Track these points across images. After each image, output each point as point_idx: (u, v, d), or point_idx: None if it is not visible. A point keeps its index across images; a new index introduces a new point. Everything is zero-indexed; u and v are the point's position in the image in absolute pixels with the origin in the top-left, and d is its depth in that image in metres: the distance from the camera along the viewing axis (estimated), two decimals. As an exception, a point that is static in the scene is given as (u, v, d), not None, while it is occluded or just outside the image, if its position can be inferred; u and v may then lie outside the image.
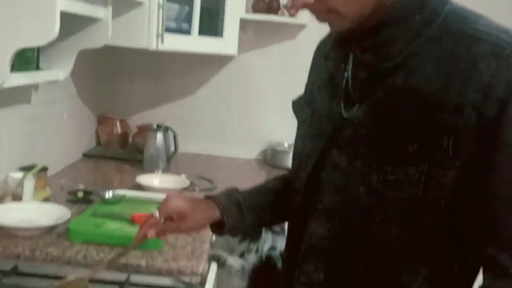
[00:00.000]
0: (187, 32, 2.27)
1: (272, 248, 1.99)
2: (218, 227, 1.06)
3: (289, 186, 1.07)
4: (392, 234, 0.81)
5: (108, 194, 1.67)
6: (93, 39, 1.76)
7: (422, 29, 0.79)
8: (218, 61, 2.64)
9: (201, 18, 2.29)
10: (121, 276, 1.24)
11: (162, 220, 1.02)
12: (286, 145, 2.61)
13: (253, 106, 2.68)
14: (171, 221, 1.02)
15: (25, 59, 1.57)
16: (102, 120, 2.59)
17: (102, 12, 1.72)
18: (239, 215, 1.05)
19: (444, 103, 0.75)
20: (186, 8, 2.27)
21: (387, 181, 0.79)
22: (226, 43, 2.42)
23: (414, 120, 0.77)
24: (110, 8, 1.75)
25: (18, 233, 1.38)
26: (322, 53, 0.96)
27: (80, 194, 1.75)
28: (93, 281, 1.06)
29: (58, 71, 1.72)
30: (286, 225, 1.08)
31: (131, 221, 1.46)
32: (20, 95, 1.75)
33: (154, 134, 2.23)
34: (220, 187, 2.05)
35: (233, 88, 2.67)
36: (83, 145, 2.46)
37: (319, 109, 0.91)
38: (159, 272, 1.31)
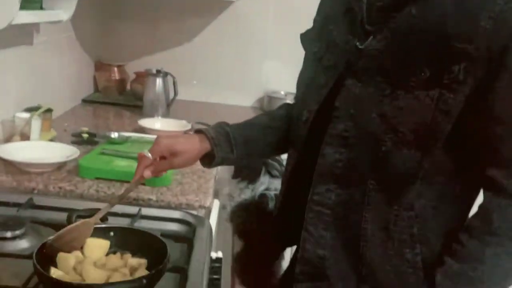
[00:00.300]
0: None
1: (267, 189, 2.05)
2: (208, 160, 1.12)
3: (285, 117, 1.15)
4: (401, 157, 0.86)
5: (114, 135, 1.71)
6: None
7: None
8: (215, 8, 2.64)
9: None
10: (133, 210, 1.29)
11: (157, 159, 1.07)
12: (282, 92, 2.65)
13: (250, 54, 2.70)
14: (164, 159, 1.08)
15: (30, -1, 1.58)
16: (100, 67, 2.60)
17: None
18: (228, 147, 1.11)
19: (457, 31, 0.79)
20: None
21: (399, 107, 0.84)
22: (224, -12, 2.41)
23: (427, 48, 0.81)
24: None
25: (31, 169, 1.42)
26: None
27: (85, 136, 1.78)
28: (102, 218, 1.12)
29: (61, 12, 1.73)
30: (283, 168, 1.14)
31: (139, 159, 1.51)
32: (23, 36, 1.76)
33: (154, 79, 2.25)
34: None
35: (231, 35, 2.68)
36: (82, 91, 2.48)
37: (334, 41, 0.95)
38: (168, 206, 1.36)
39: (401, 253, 0.91)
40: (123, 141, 1.69)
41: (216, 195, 1.64)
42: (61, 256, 0.93)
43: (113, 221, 1.15)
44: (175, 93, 2.30)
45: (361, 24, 0.90)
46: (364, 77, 0.88)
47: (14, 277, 0.95)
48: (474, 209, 0.92)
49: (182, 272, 1.04)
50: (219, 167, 2.25)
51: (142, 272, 0.93)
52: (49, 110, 1.73)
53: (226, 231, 2.13)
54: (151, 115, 2.21)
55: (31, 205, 1.28)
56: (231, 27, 2.67)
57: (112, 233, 1.03)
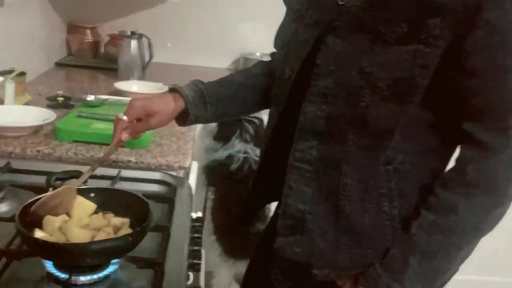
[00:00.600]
0: None
1: (238, 151, 2.07)
2: (182, 118, 1.13)
3: (260, 75, 1.16)
4: (379, 112, 0.88)
5: (90, 97, 1.69)
6: None
7: None
8: (189, -33, 2.59)
9: None
10: (112, 172, 1.30)
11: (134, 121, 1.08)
12: (258, 54, 2.63)
13: (226, 15, 2.67)
14: (140, 121, 1.08)
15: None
16: (72, 29, 2.55)
17: None
18: (202, 104, 1.12)
19: None
20: None
21: (378, 63, 0.86)
22: None
23: (405, 3, 0.82)
24: None
25: (7, 133, 1.41)
26: None
27: (61, 99, 1.76)
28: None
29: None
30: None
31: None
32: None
33: (128, 41, 2.22)
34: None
35: (205, -4, 2.64)
36: (55, 54, 2.43)
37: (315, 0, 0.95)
38: (148, 167, 1.37)
39: (379, 206, 0.93)
40: (99, 103, 1.68)
41: (195, 157, 1.65)
42: (47, 218, 0.94)
43: (92, 184, 1.16)
44: (151, 56, 2.27)
45: None
46: (344, 34, 0.89)
47: (-4, 239, 0.95)
48: (451, 164, 0.94)
49: (164, 230, 1.06)
50: (200, 130, 2.28)
51: (126, 230, 0.94)
52: (22, 74, 1.70)
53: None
54: (126, 78, 2.19)
55: (9, 169, 1.27)
56: (206, -13, 2.63)
57: (92, 194, 1.03)
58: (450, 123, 0.90)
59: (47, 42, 2.31)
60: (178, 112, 1.11)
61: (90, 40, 2.54)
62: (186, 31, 2.67)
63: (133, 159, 1.37)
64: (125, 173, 1.31)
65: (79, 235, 0.91)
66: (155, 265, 0.93)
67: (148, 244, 1.01)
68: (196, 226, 1.24)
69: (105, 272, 0.91)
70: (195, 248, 1.13)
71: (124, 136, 1.07)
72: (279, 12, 1.11)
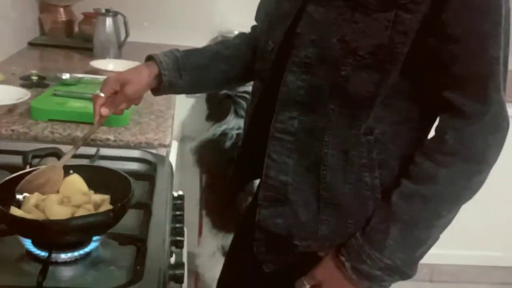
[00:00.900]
0: None
1: (231, 128, 2.07)
2: (157, 86, 1.12)
3: (240, 46, 1.15)
4: (360, 81, 0.87)
5: (65, 76, 1.65)
6: None
7: None
8: None
9: None
10: (90, 150, 1.27)
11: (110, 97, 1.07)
12: (236, 32, 2.58)
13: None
14: (117, 93, 1.07)
15: None
16: (45, 8, 2.48)
17: None
18: (177, 71, 1.11)
19: None
20: None
21: (358, 30, 0.85)
22: None
23: None
24: None
25: (-21, 113, 1.37)
26: None
27: (35, 78, 1.72)
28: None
29: None
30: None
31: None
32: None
33: (103, 19, 2.16)
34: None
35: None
36: (27, 34, 2.36)
37: None
38: (127, 145, 1.35)
39: (360, 176, 0.93)
40: (75, 82, 1.64)
41: (177, 136, 1.63)
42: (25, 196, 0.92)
43: (70, 162, 1.13)
44: (127, 34, 2.22)
45: None
46: (325, 2, 0.88)
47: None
48: (432, 134, 0.94)
49: (146, 208, 1.05)
50: (190, 109, 2.26)
51: (107, 207, 0.93)
52: (-7, 53, 1.65)
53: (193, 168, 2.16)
54: (102, 57, 2.14)
55: (-17, 149, 1.24)
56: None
57: (71, 171, 1.01)
58: (430, 92, 0.90)
59: (19, 21, 2.25)
60: (152, 77, 1.10)
61: (63, 19, 2.47)
62: (163, 9, 2.62)
63: (111, 137, 1.34)
64: (104, 151, 1.28)
65: (58, 212, 0.89)
66: (137, 242, 0.92)
67: (129, 221, 1.00)
68: (178, 204, 1.23)
69: (86, 249, 0.89)
70: (178, 225, 1.13)
71: (104, 111, 1.06)
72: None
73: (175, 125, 2.09)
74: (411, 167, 0.92)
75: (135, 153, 1.32)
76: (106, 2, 2.49)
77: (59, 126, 1.36)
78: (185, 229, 1.18)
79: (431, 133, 0.95)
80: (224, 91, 2.07)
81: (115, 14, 2.18)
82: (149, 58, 1.12)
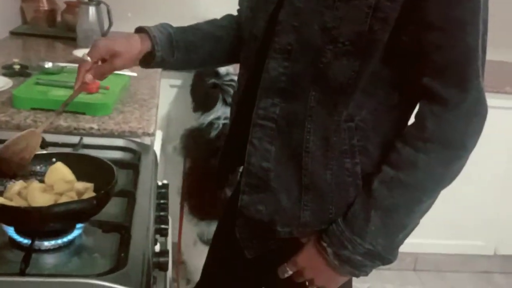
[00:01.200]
0: None
1: (218, 118, 2.06)
2: (146, 59, 1.11)
3: (229, 34, 1.14)
4: (340, 68, 0.88)
5: (48, 65, 1.63)
6: None
7: None
8: None
9: None
10: (73, 139, 1.26)
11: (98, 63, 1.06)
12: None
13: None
14: (104, 61, 1.07)
15: None
16: (27, -4, 2.45)
17: None
18: (170, 49, 1.11)
19: None
20: None
21: (338, 18, 0.85)
22: None
23: None
24: None
25: (-40, 101, 1.35)
26: None
27: (17, 67, 1.69)
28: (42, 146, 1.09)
29: None
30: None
31: (77, 88, 1.46)
32: None
33: (86, 8, 2.14)
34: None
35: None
36: (9, 23, 2.33)
37: None
38: (111, 134, 1.34)
39: (341, 163, 0.94)
40: (58, 71, 1.62)
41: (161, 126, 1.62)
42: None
43: (53, 151, 1.12)
44: (110, 23, 2.20)
45: None
46: None
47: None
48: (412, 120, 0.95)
49: (130, 195, 1.04)
50: (174, 101, 2.25)
51: (90, 195, 0.92)
52: (-26, 41, 1.62)
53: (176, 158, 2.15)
54: (85, 46, 2.11)
55: (-36, 137, 1.22)
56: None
57: (54, 159, 1.00)
58: (410, 79, 0.90)
59: (0, 10, 2.21)
60: (143, 53, 1.09)
61: (45, 8, 2.44)
62: (146, -1, 2.60)
63: (95, 126, 1.33)
64: (87, 140, 1.27)
65: (40, 199, 0.88)
66: (121, 229, 0.92)
67: (113, 209, 1.00)
68: (162, 192, 1.22)
69: (69, 236, 0.89)
70: (162, 213, 1.12)
71: (88, 77, 1.05)
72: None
73: (159, 115, 2.08)
74: (391, 153, 0.92)
75: (119, 142, 1.31)
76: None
77: (42, 115, 1.35)
78: (170, 218, 1.18)
79: (411, 120, 0.95)
80: (211, 81, 2.07)
81: (98, 3, 2.16)
82: (141, 30, 1.11)
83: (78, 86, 1.05)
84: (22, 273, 0.78)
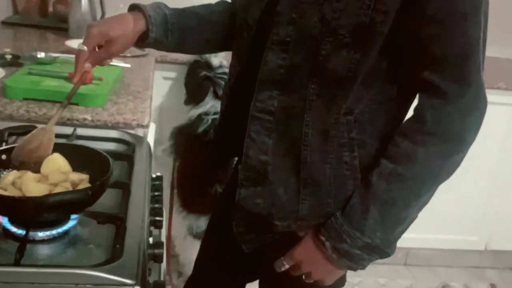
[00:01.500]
0: None
1: (207, 113, 2.05)
2: (140, 39, 1.10)
3: (224, 20, 1.13)
4: (340, 60, 0.87)
5: (41, 55, 1.61)
6: None
7: None
8: None
9: None
10: (67, 130, 1.24)
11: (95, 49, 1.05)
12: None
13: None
14: (100, 47, 1.06)
15: None
16: (18, -14, 2.42)
17: None
18: (164, 30, 1.10)
19: None
20: None
21: (338, 9, 0.84)
22: None
23: None
24: None
25: (-49, 90, 1.33)
26: None
27: (9, 57, 1.67)
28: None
29: None
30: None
31: (69, 78, 1.44)
32: None
33: (79, -2, 2.12)
34: (151, 52, 2.04)
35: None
36: (0, 13, 2.30)
37: None
38: (105, 125, 1.32)
39: (340, 156, 0.93)
40: (51, 61, 1.60)
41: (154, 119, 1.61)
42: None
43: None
44: (103, 13, 2.18)
45: None
46: None
47: None
48: (410, 113, 0.95)
49: (124, 187, 1.03)
50: (167, 94, 2.23)
51: (85, 186, 0.91)
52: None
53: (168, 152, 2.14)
54: (77, 37, 2.09)
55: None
56: None
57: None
58: (410, 72, 0.90)
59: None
60: (138, 34, 1.08)
61: (37, -2, 2.42)
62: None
63: (88, 117, 1.32)
64: (81, 131, 1.26)
65: (35, 189, 0.87)
66: (116, 220, 0.91)
67: (108, 200, 0.99)
68: (157, 184, 1.21)
69: (64, 227, 0.88)
70: (156, 205, 1.11)
71: (87, 65, 1.04)
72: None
73: (152, 108, 2.07)
74: (390, 147, 0.92)
75: (113, 133, 1.29)
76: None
77: (35, 105, 1.33)
78: (164, 210, 1.17)
79: (409, 113, 0.95)
80: (203, 73, 2.05)
81: (91, -6, 2.13)
82: (134, 8, 1.09)
83: (79, 76, 1.04)
84: (16, 263, 0.77)
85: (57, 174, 0.92)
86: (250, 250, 1.06)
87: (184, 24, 1.12)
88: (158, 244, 0.95)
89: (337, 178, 0.95)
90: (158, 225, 1.07)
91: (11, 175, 0.89)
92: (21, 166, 0.94)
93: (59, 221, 0.87)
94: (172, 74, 2.26)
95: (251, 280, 1.26)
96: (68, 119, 1.30)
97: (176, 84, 2.25)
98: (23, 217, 0.85)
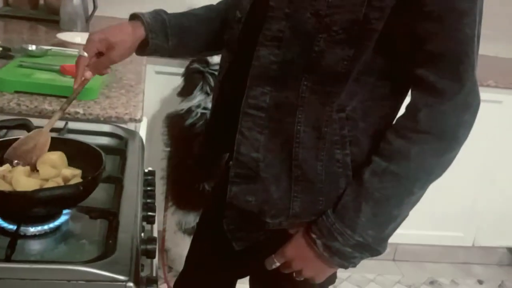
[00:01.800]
0: None
1: (198, 106, 2.04)
2: (141, 47, 1.11)
3: (222, 16, 1.13)
4: (333, 57, 0.86)
5: (32, 47, 1.60)
6: None
7: None
8: None
9: None
10: (58, 124, 1.23)
11: (94, 58, 1.05)
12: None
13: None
14: (101, 55, 1.06)
15: None
16: (8, -23, 2.39)
17: None
18: (164, 36, 1.10)
19: None
20: None
21: (333, 5, 0.84)
22: None
23: None
24: None
25: None
26: None
27: (-1, 49, 1.65)
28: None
29: None
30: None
31: (61, 71, 1.43)
32: None
33: (71, -9, 2.10)
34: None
35: None
36: (-11, 4, 2.28)
37: None
38: (97, 119, 1.32)
39: (332, 153, 0.93)
40: (42, 53, 1.59)
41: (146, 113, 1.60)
42: None
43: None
44: (95, 6, 2.16)
45: None
46: None
47: None
48: (403, 111, 0.94)
49: (117, 182, 1.03)
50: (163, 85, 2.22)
51: (77, 181, 0.90)
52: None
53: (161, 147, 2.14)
54: (69, 29, 2.08)
55: None
56: None
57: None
58: (404, 69, 0.89)
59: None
60: (139, 41, 1.08)
61: (28, -10, 2.39)
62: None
63: (80, 110, 1.31)
64: (73, 125, 1.25)
65: (26, 184, 0.86)
66: (109, 215, 0.90)
67: (100, 195, 0.98)
68: (149, 179, 1.21)
69: (56, 222, 0.87)
70: (149, 200, 1.11)
71: (88, 74, 1.05)
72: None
73: (145, 102, 2.06)
74: (382, 144, 0.92)
75: (106, 127, 1.29)
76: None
77: (26, 98, 1.32)
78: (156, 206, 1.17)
79: (401, 110, 0.95)
80: (195, 65, 2.05)
81: (82, -14, 2.11)
82: (134, 17, 1.10)
83: (79, 82, 1.05)
84: (7, 259, 0.76)
85: (49, 169, 0.92)
86: (241, 248, 1.06)
87: (183, 26, 1.12)
88: (151, 240, 0.95)
89: (329, 175, 0.94)
90: (150, 220, 1.06)
91: (1, 169, 0.89)
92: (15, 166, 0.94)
93: (51, 216, 0.87)
94: (165, 68, 2.24)
95: (242, 276, 1.26)
96: (60, 113, 1.29)
97: (169, 78, 2.24)
98: (13, 212, 0.84)
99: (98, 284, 0.75)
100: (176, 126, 2.08)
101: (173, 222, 2.16)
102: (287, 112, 0.92)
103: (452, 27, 0.83)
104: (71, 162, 0.97)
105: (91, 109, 1.32)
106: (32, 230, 0.85)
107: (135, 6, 2.53)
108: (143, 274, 0.89)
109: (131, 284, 0.75)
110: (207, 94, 2.02)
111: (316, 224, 0.95)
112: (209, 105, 2.01)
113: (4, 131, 1.10)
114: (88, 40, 1.05)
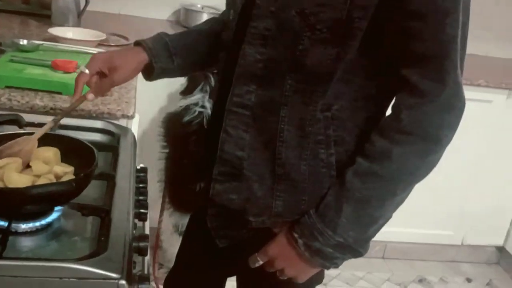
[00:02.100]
0: None
1: (196, 104, 2.04)
2: (148, 72, 1.11)
3: (220, 22, 1.13)
4: (317, 55, 0.86)
5: (23, 42, 1.58)
6: None
7: None
8: None
9: None
10: (50, 119, 1.22)
11: (95, 77, 1.06)
12: (199, 6, 2.56)
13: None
14: (103, 77, 1.06)
15: None
16: (-1, -30, 2.36)
17: None
18: (168, 57, 1.11)
19: None
20: None
21: (317, 3, 0.83)
22: None
23: None
24: None
25: None
26: None
27: (-11, 43, 1.64)
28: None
29: None
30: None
31: (53, 66, 1.42)
32: None
33: (62, -15, 2.09)
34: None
35: None
36: (-20, -3, 2.25)
37: None
38: (89, 115, 1.31)
39: (316, 153, 0.93)
40: (33, 48, 1.58)
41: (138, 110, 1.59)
42: None
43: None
44: (86, 2, 2.15)
45: None
46: None
47: None
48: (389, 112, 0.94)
49: (109, 178, 1.02)
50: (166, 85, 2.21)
51: (69, 178, 0.90)
52: None
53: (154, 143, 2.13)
54: (61, 24, 2.06)
55: None
56: None
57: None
58: (388, 69, 0.89)
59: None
60: (142, 65, 1.09)
61: (19, -16, 2.36)
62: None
63: (72, 106, 1.30)
64: (65, 121, 1.24)
65: (17, 180, 0.86)
66: (101, 212, 0.90)
67: (92, 192, 0.98)
68: (141, 176, 1.20)
69: (48, 219, 0.87)
70: (141, 198, 1.11)
71: (90, 96, 1.05)
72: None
73: (137, 99, 2.05)
74: (366, 145, 0.91)
75: (98, 124, 1.28)
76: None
77: (17, 93, 1.31)
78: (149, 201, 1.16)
79: (388, 111, 0.94)
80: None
81: (75, -19, 2.10)
82: (137, 44, 1.11)
83: (77, 98, 1.05)
84: (-1, 256, 0.76)
85: (41, 165, 0.91)
86: (224, 245, 1.05)
87: (185, 44, 1.13)
88: (143, 237, 0.94)
89: (313, 175, 0.94)
90: (142, 217, 1.06)
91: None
92: None
93: (43, 213, 0.86)
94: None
95: (231, 275, 1.26)
96: (51, 108, 1.29)
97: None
98: (4, 208, 0.83)
99: (90, 281, 0.75)
100: (174, 124, 2.07)
101: (170, 223, 2.16)
102: (271, 111, 0.92)
103: (435, 27, 0.82)
104: (64, 158, 0.97)
105: (83, 105, 1.30)
106: (24, 226, 0.84)
107: (128, 2, 2.55)
108: (135, 271, 0.89)
109: (123, 281, 0.75)
110: (206, 92, 2.02)
111: (298, 224, 0.94)
112: (207, 104, 2.01)
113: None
114: (92, 59, 1.06)
